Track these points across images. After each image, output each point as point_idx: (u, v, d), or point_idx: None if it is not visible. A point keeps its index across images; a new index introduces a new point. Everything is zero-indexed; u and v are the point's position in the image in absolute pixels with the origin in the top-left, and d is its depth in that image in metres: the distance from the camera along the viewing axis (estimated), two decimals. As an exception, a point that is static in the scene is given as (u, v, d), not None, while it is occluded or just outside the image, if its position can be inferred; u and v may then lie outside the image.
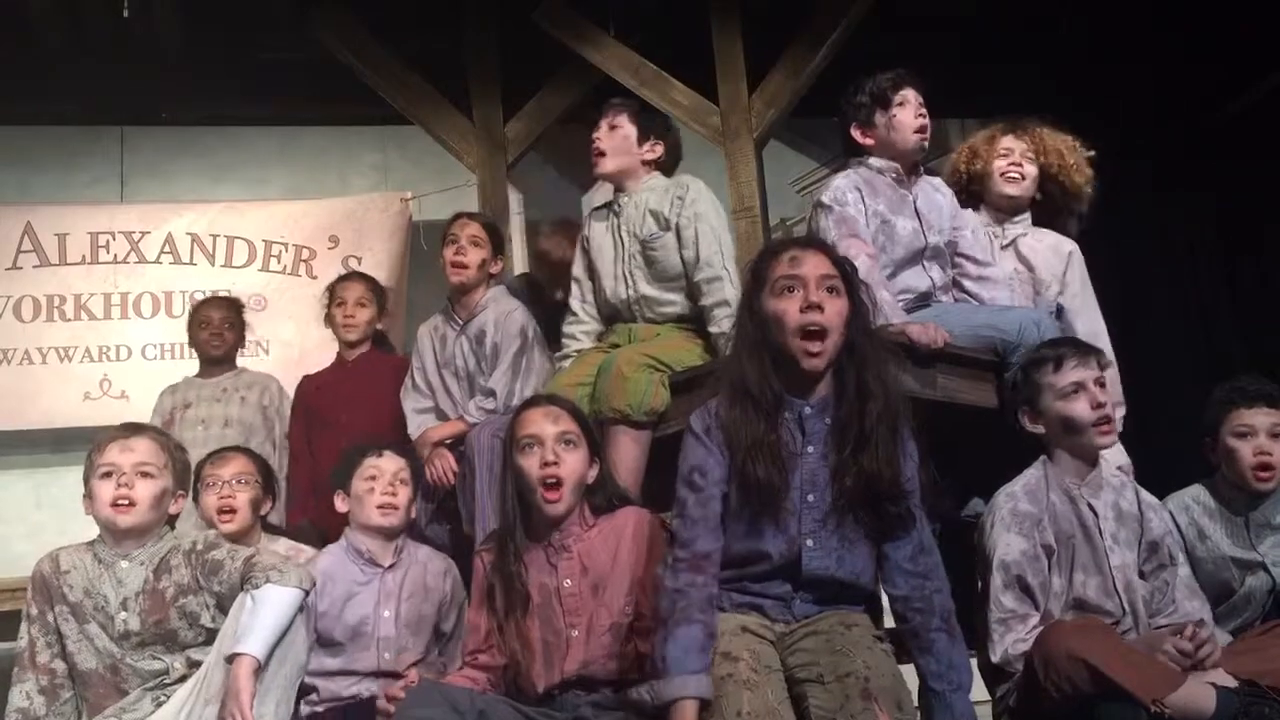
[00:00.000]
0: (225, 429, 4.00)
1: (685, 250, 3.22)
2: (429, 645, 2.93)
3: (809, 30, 5.00)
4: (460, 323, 3.67)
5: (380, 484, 2.94)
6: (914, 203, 3.20)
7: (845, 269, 2.34)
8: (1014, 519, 2.54)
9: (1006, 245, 3.42)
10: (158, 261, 5.36)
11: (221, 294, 4.62)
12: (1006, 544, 2.51)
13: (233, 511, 3.14)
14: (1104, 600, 2.53)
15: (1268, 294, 5.36)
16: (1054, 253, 3.40)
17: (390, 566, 2.93)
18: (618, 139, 3.40)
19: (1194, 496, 2.94)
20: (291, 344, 5.22)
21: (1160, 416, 3.44)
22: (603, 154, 3.39)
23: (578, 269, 3.50)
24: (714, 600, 2.23)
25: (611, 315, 3.40)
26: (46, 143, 5.53)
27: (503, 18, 5.34)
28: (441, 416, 3.63)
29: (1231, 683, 2.27)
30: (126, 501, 2.53)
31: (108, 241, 5.32)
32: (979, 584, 2.56)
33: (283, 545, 3.24)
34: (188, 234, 5.38)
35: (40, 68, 5.24)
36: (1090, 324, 3.29)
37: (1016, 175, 3.44)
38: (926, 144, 3.25)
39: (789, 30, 5.04)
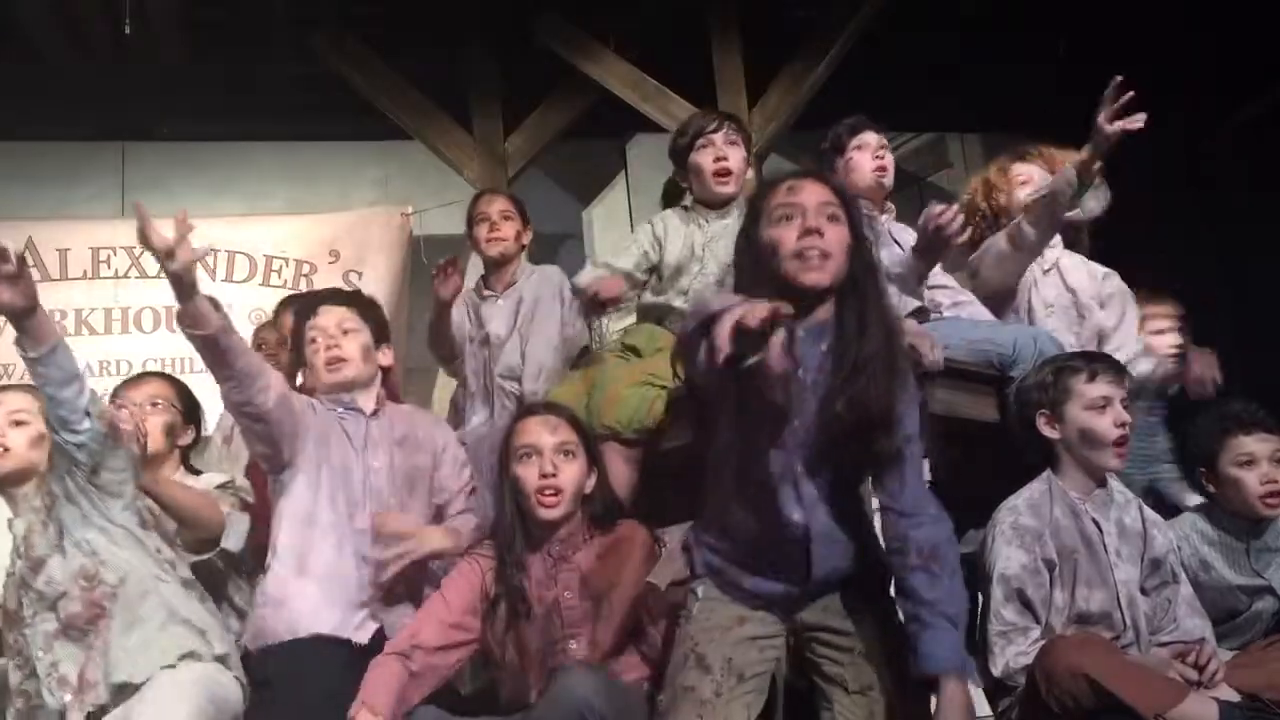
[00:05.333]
0: None
1: None
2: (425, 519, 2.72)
3: (809, 45, 5.03)
4: (497, 294, 3.74)
5: (322, 340, 2.73)
6: (889, 233, 3.25)
7: (846, 197, 2.21)
8: (1015, 533, 2.53)
9: (1049, 269, 3.35)
10: (158, 276, 5.31)
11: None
12: (1007, 557, 2.50)
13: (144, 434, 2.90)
14: (1107, 615, 2.52)
15: (1268, 304, 5.35)
16: (1093, 276, 3.35)
17: (374, 413, 2.74)
18: (739, 159, 3.22)
19: (1192, 525, 2.93)
20: (292, 359, 5.22)
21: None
22: (731, 173, 3.19)
23: (645, 243, 3.24)
24: None
25: (646, 311, 3.27)
26: (48, 158, 5.54)
27: (503, 33, 5.37)
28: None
29: (1234, 697, 2.27)
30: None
31: (109, 256, 5.32)
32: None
33: (203, 481, 3.04)
34: (188, 249, 5.38)
35: (41, 83, 5.26)
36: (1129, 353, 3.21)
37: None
38: (887, 181, 3.32)
39: (789, 45, 5.07)
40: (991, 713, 2.52)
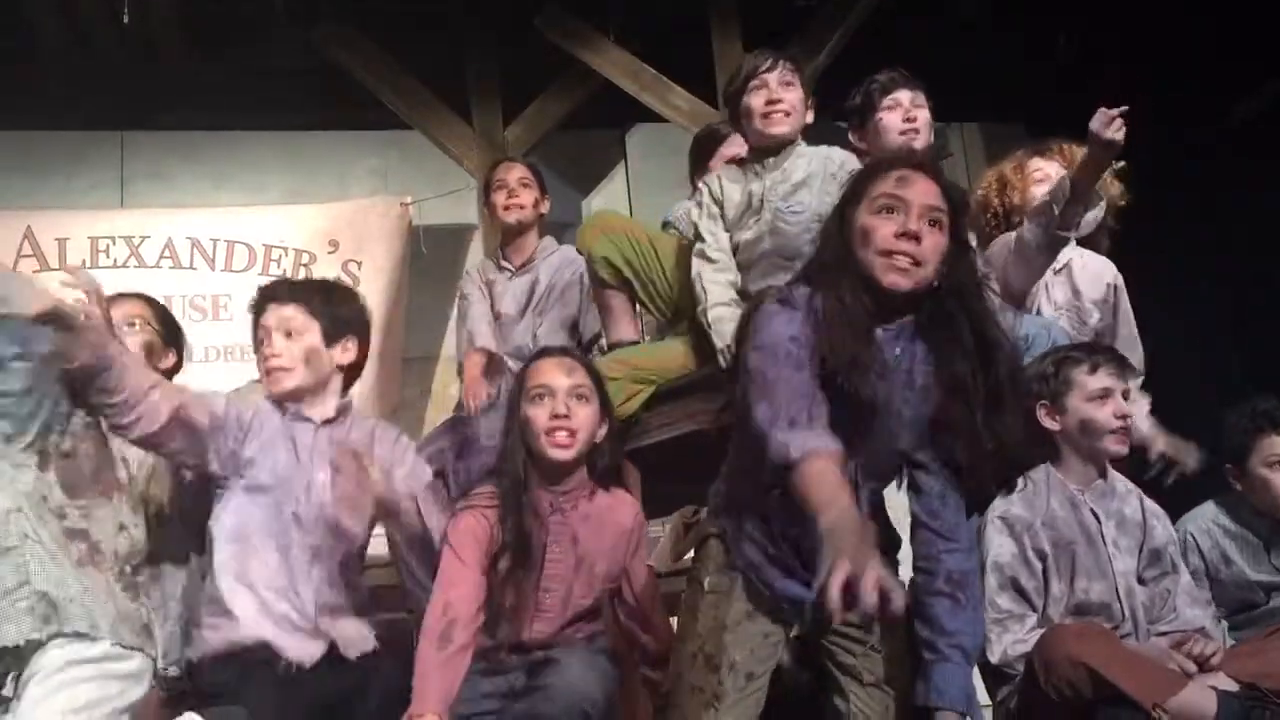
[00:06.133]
0: None
1: None
2: (359, 550, 2.52)
3: (809, 34, 5.01)
4: (513, 269, 3.70)
5: (266, 345, 2.51)
6: None
7: (954, 200, 2.07)
8: (1004, 523, 2.54)
9: (1060, 270, 3.30)
10: (157, 266, 5.34)
11: None
12: (999, 546, 2.52)
13: None
14: (1106, 606, 2.53)
15: (1270, 307, 5.33)
16: (1097, 280, 3.30)
17: (328, 422, 2.52)
18: (795, 99, 2.96)
19: (1213, 518, 2.93)
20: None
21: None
22: (787, 114, 2.94)
23: (706, 220, 3.00)
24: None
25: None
26: (47, 148, 5.51)
27: (503, 23, 5.36)
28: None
29: (1233, 686, 2.27)
30: None
31: (108, 246, 5.30)
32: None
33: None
34: (188, 238, 5.37)
35: (40, 73, 5.25)
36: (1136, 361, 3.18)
37: None
38: (917, 144, 3.11)
39: (789, 34, 5.05)
40: (990, 702, 2.53)
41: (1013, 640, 2.44)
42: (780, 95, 2.94)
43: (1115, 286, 3.30)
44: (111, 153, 5.62)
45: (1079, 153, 3.22)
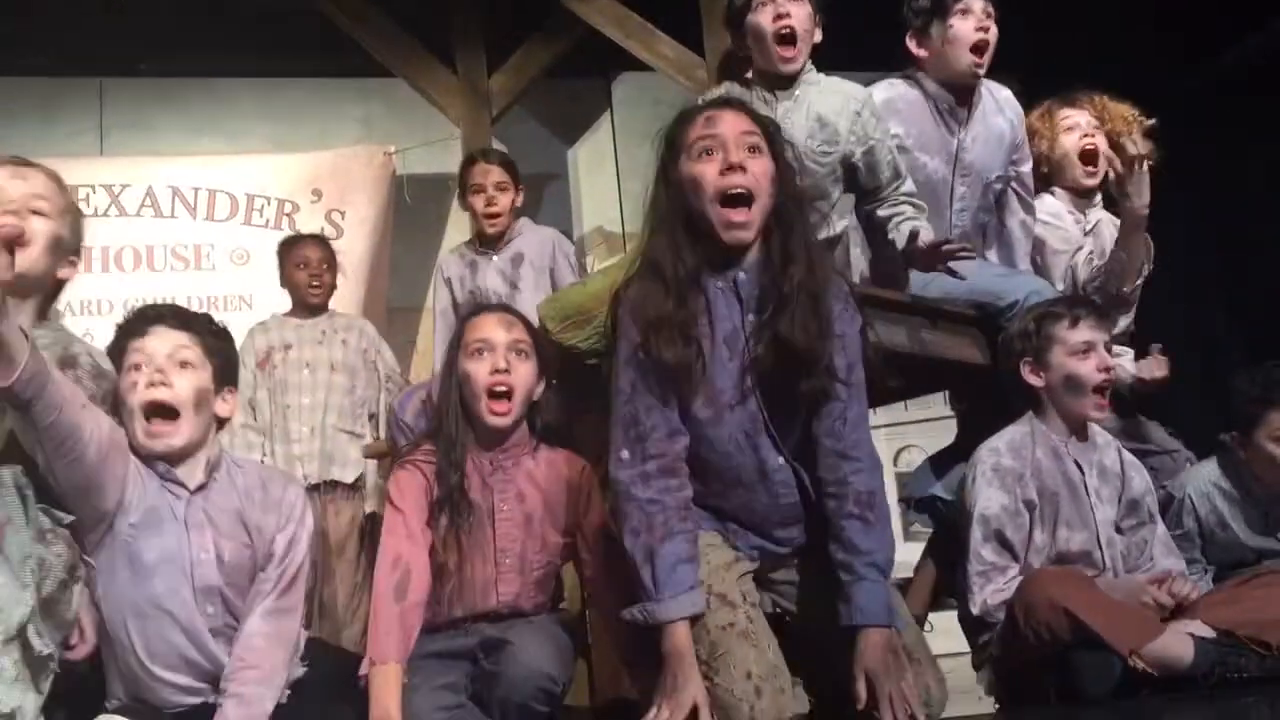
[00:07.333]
0: (332, 373, 3.93)
1: (866, 175, 2.84)
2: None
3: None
4: (492, 251, 3.76)
5: (145, 374, 2.05)
6: (956, 147, 3.00)
7: (768, 127, 2.12)
8: (995, 474, 2.54)
9: (1089, 230, 3.27)
10: (138, 215, 5.30)
11: (310, 232, 4.53)
12: (988, 498, 2.52)
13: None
14: (1087, 554, 2.55)
15: (1262, 275, 5.32)
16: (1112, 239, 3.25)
17: (200, 489, 2.11)
18: (804, 15, 2.79)
19: (1214, 480, 2.93)
20: (273, 298, 5.18)
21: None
22: (795, 35, 2.78)
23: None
24: (690, 503, 2.03)
25: None
26: (23, 95, 5.45)
27: (488, -31, 5.29)
28: None
29: (1209, 633, 2.30)
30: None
31: (88, 195, 5.25)
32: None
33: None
34: (169, 187, 5.32)
35: (16, 18, 5.16)
36: None
37: (1093, 146, 3.22)
38: (981, 69, 2.96)
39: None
40: (970, 648, 2.56)
41: (993, 590, 2.46)
42: (788, 9, 2.78)
43: None
44: (90, 100, 5.56)
45: (1110, 104, 3.24)
